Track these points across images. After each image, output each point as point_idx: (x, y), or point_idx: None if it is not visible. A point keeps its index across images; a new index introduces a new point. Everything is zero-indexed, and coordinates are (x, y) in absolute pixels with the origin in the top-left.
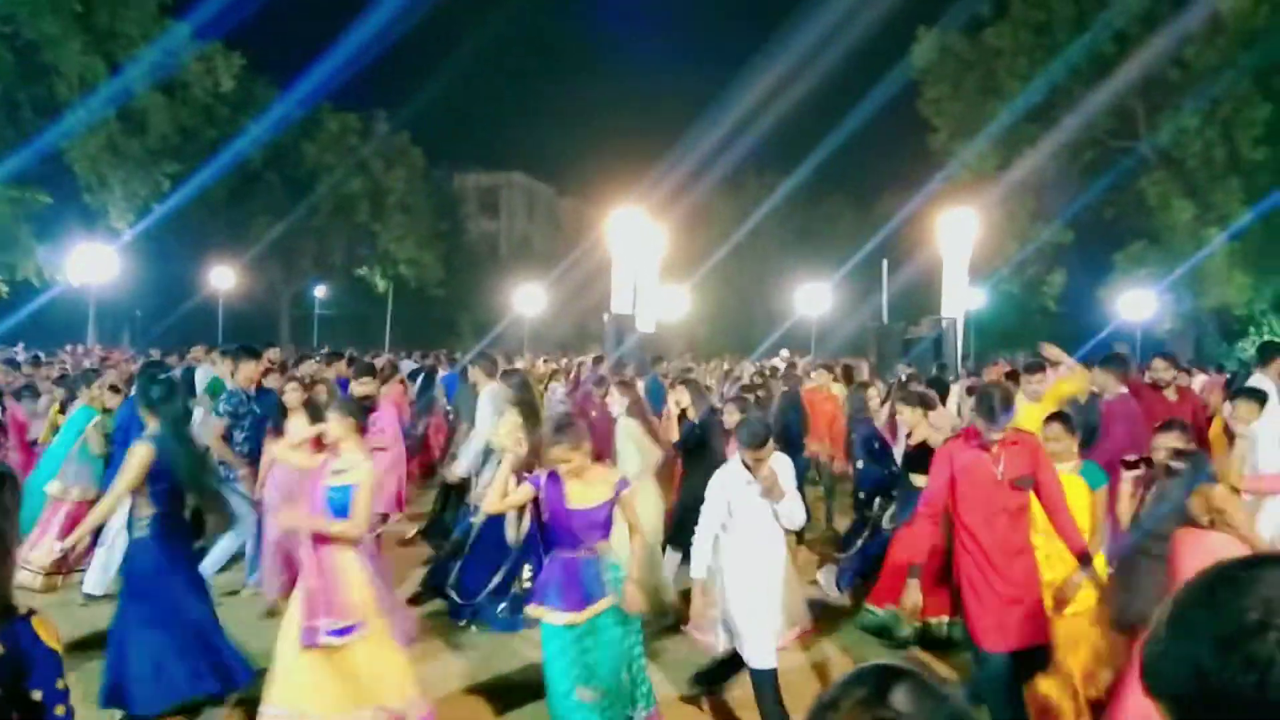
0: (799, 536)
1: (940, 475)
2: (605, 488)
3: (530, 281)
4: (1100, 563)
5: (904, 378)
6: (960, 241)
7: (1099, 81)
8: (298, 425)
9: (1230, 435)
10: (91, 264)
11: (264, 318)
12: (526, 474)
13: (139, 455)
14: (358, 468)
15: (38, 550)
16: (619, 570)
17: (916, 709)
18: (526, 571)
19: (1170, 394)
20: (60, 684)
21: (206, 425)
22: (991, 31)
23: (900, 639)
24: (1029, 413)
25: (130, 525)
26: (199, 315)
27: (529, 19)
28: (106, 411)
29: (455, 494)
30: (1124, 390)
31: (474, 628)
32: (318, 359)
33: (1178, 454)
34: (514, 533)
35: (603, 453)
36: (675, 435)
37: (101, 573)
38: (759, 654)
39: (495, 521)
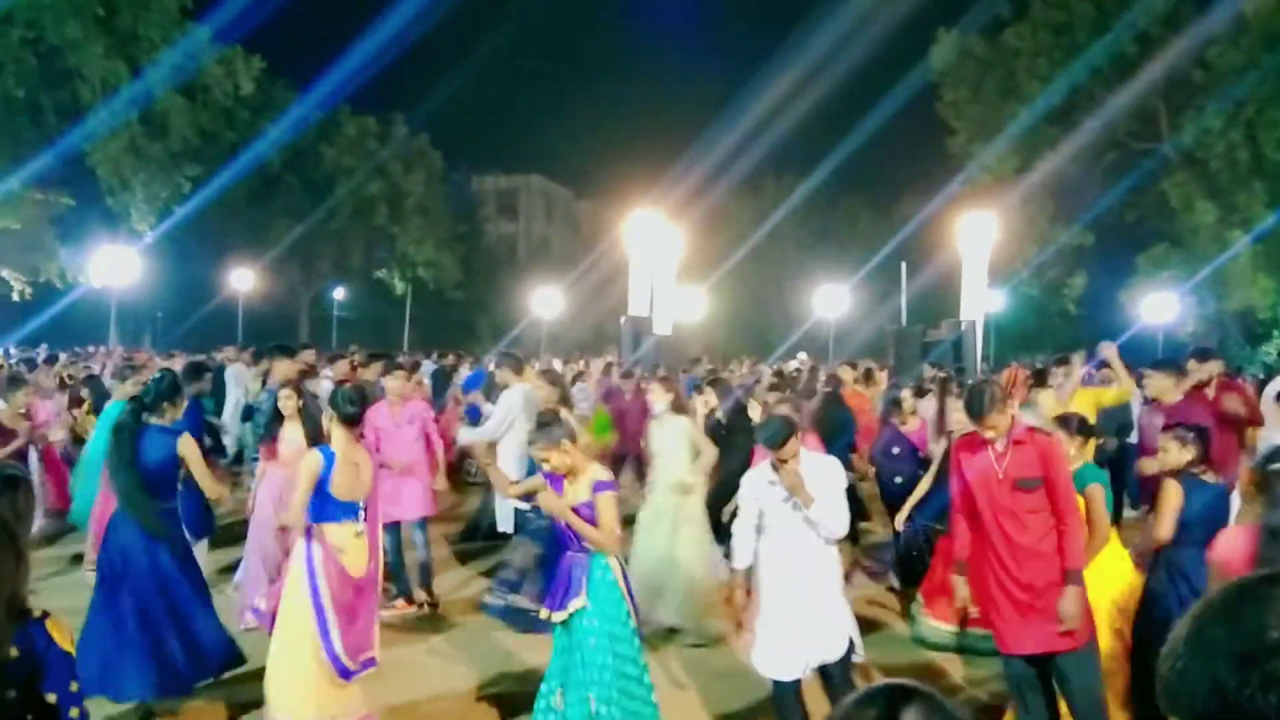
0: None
1: (955, 474)
2: (586, 488)
3: (548, 284)
4: (1113, 581)
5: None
6: (979, 244)
7: (1120, 82)
8: (293, 433)
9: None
10: (113, 266)
11: (283, 319)
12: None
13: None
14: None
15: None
16: (606, 570)
17: None
18: None
19: (1210, 391)
20: (74, 686)
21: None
22: (1011, 33)
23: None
24: (1055, 409)
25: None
26: (219, 317)
27: (547, 21)
28: None
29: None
30: (1180, 396)
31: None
32: (356, 359)
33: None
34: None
35: (634, 443)
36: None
37: None
38: (771, 664)
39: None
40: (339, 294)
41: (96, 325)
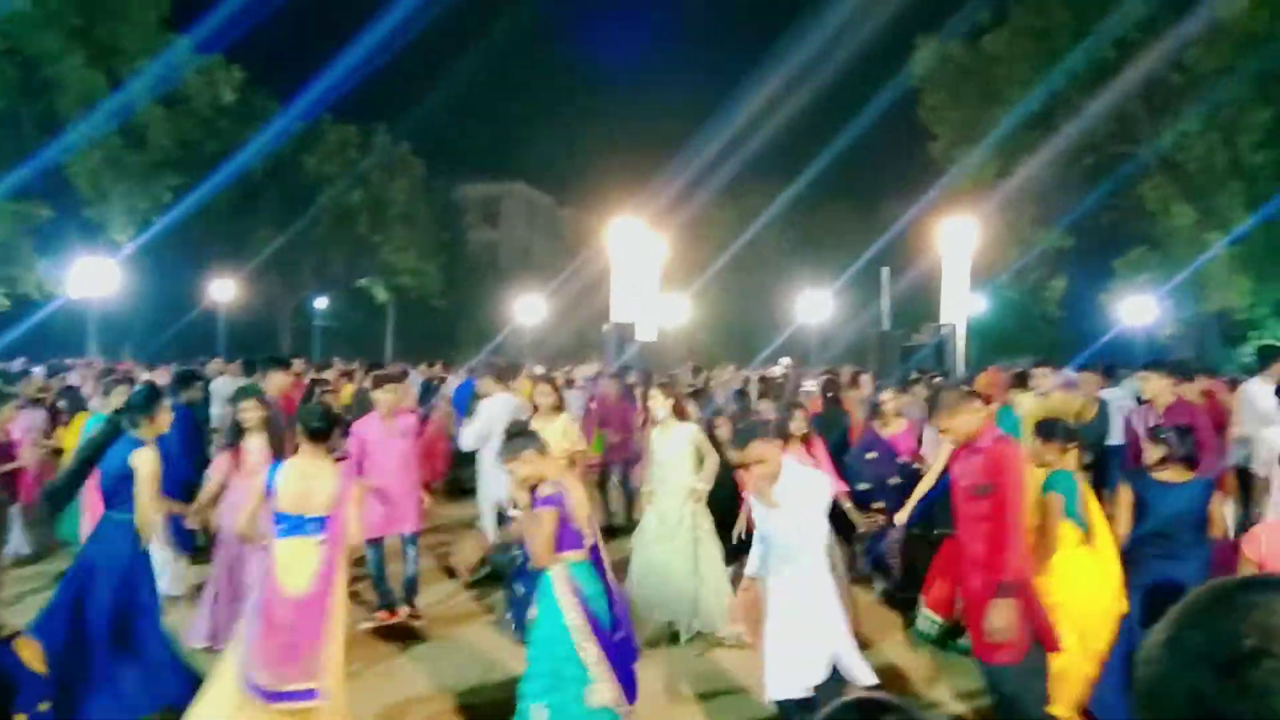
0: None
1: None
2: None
3: (531, 291)
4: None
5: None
6: (961, 248)
7: (1099, 87)
8: (257, 445)
9: None
10: (92, 277)
11: (265, 330)
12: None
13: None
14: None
15: None
16: (549, 583)
17: None
18: None
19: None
20: (43, 706)
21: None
22: (990, 39)
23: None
24: (1037, 413)
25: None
26: (199, 327)
27: (529, 30)
28: None
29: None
30: (1175, 397)
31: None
32: (352, 371)
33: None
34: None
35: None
36: None
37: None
38: (785, 680)
39: None
40: (320, 304)
41: (75, 337)
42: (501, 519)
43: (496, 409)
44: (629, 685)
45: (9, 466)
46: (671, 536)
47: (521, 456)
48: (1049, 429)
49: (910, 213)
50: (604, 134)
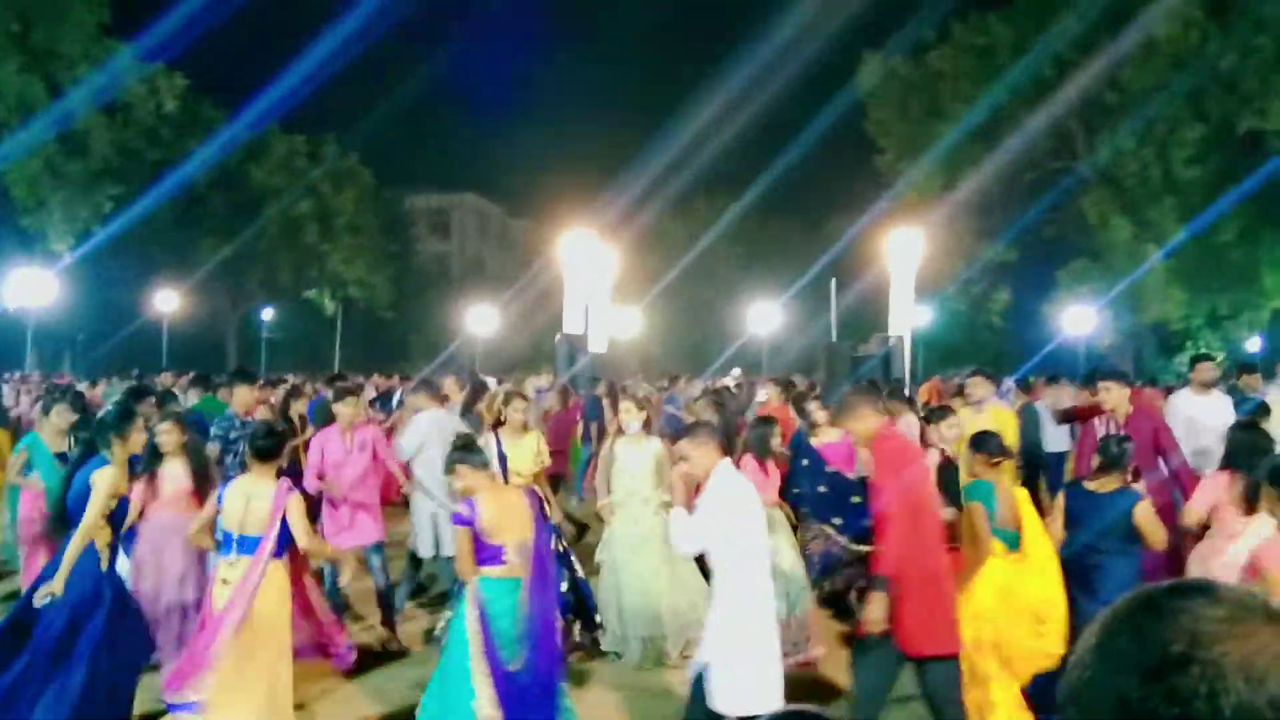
0: None
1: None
2: None
3: (482, 302)
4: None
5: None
6: (907, 260)
7: (1039, 104)
8: (175, 472)
9: None
10: (29, 287)
11: (210, 341)
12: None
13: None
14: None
15: None
16: (461, 597)
17: None
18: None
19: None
20: None
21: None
22: (935, 55)
23: None
24: (971, 425)
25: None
26: (143, 339)
27: (479, 41)
28: None
29: None
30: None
31: None
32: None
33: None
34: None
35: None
36: None
37: None
38: (744, 698)
39: None
40: (267, 315)
41: (12, 349)
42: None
43: (425, 425)
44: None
45: None
46: (641, 547)
47: (456, 470)
48: (980, 441)
49: (857, 225)
50: (556, 146)
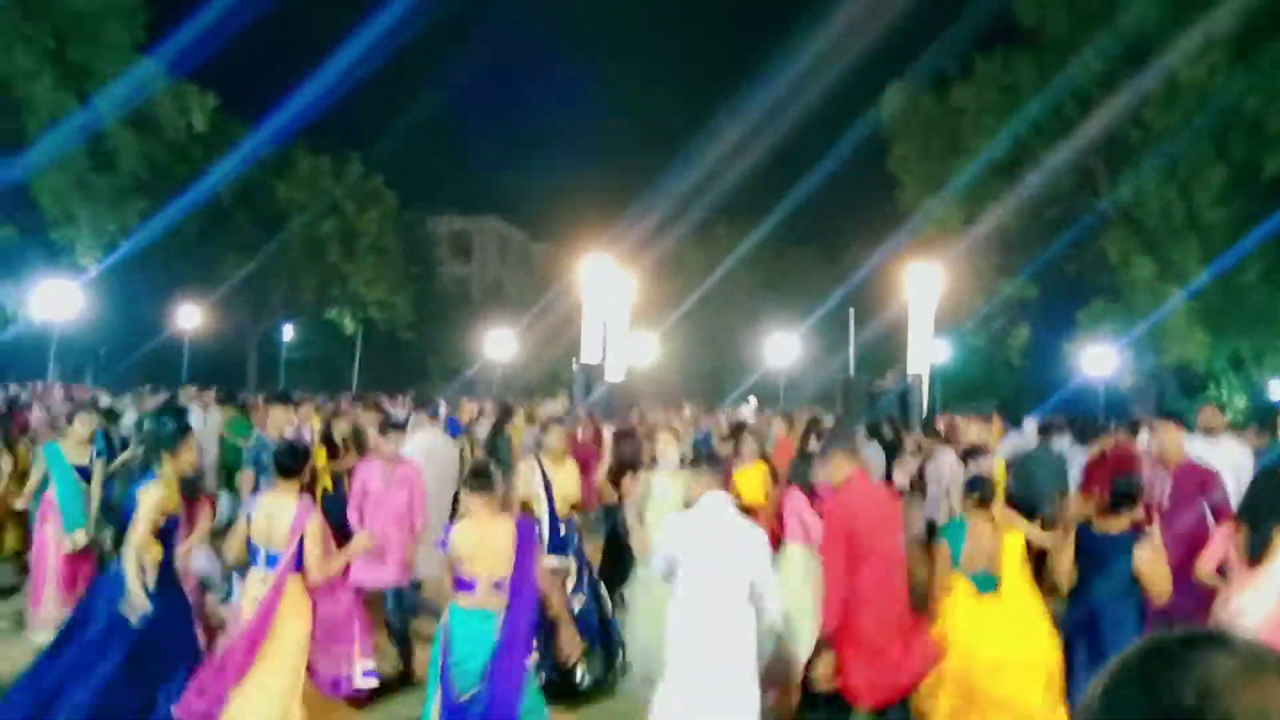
0: None
1: None
2: None
3: (501, 326)
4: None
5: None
6: (926, 295)
7: (1061, 140)
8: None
9: None
10: (55, 300)
11: (231, 358)
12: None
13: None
14: None
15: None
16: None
17: None
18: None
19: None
20: None
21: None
22: (957, 91)
23: None
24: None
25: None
26: (164, 354)
27: (504, 65)
28: None
29: None
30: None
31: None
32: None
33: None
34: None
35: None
36: None
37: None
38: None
39: None
40: (288, 333)
41: (36, 361)
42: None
43: (414, 446)
44: None
45: None
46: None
47: (463, 495)
48: (972, 482)
49: (876, 258)
50: (578, 171)
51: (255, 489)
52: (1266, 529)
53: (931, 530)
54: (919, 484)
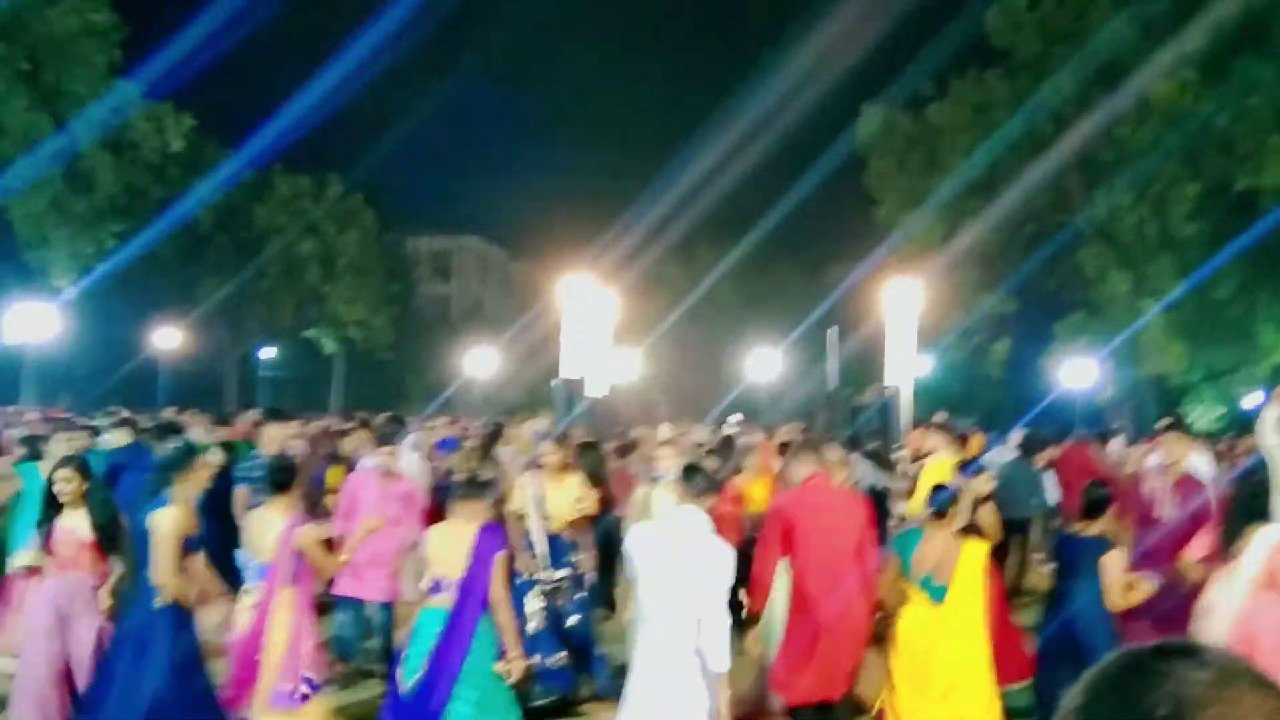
0: None
1: None
2: None
3: (481, 345)
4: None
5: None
6: (905, 310)
7: (1036, 158)
8: (74, 522)
9: None
10: (30, 322)
11: (209, 379)
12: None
13: None
14: None
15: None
16: None
17: None
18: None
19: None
20: None
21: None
22: (933, 109)
23: None
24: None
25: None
26: (141, 376)
27: (483, 83)
28: None
29: None
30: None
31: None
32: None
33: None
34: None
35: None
36: None
37: None
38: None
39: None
40: (267, 354)
41: (8, 383)
42: None
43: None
44: None
45: None
46: None
47: (458, 501)
48: (930, 496)
49: (856, 274)
50: (558, 190)
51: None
52: (1238, 529)
53: None
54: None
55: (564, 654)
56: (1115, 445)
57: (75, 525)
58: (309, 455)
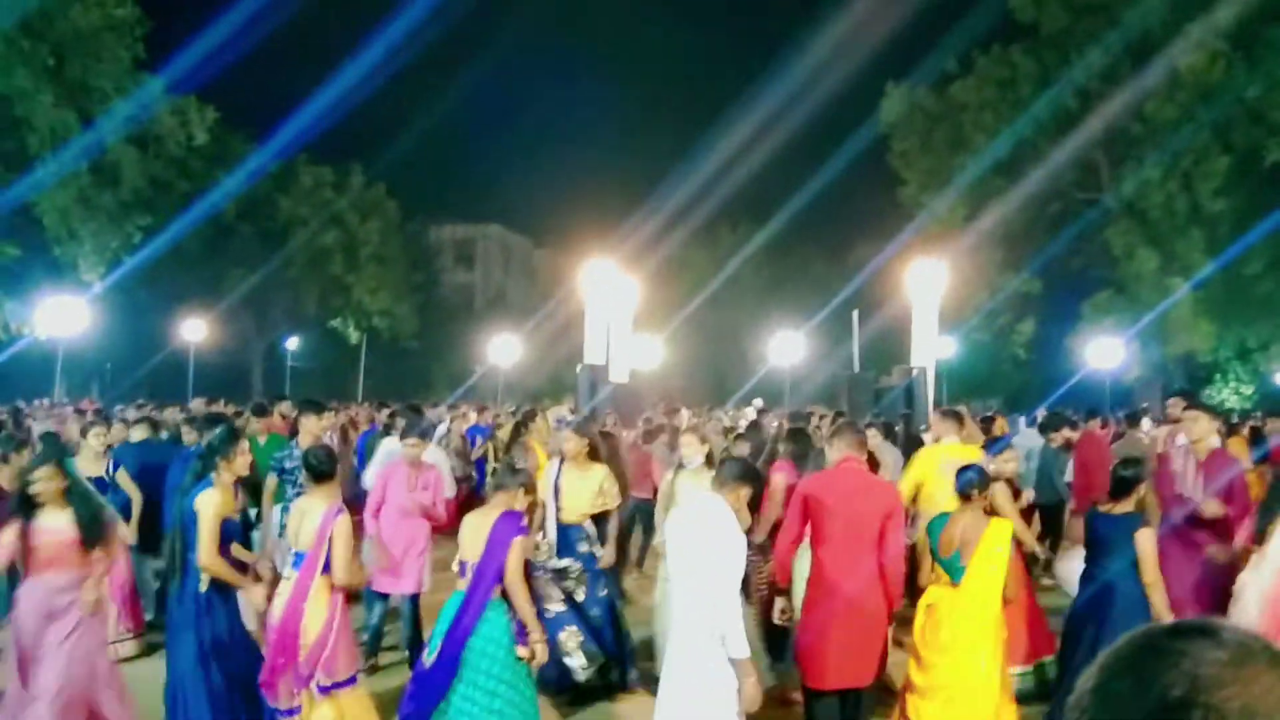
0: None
1: None
2: None
3: (505, 332)
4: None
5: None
6: (930, 291)
7: (1063, 135)
8: (57, 524)
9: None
10: (60, 316)
11: (236, 370)
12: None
13: None
14: None
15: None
16: None
17: None
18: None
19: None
20: None
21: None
22: (958, 87)
23: None
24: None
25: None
26: (169, 368)
27: (505, 71)
28: None
29: None
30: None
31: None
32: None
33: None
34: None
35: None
36: None
37: None
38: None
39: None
40: (292, 344)
41: (42, 377)
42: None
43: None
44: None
45: None
46: None
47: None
48: (956, 477)
49: (880, 256)
50: (580, 176)
51: (278, 496)
52: (1275, 513)
53: None
54: None
55: (577, 628)
56: (1145, 425)
57: (56, 524)
58: (341, 445)
